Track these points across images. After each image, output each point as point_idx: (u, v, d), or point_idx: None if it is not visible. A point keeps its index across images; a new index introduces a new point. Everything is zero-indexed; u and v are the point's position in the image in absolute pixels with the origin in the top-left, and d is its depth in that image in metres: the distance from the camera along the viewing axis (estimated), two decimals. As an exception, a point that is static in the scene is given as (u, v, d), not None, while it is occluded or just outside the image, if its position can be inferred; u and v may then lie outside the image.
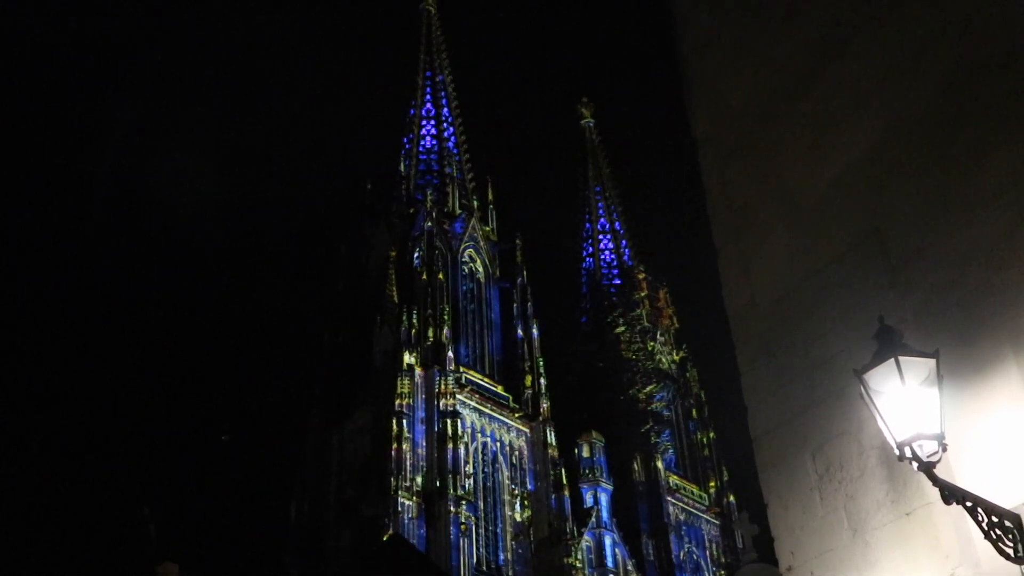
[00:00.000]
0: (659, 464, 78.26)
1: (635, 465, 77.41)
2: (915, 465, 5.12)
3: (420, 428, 63.90)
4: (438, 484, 61.10)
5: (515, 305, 75.99)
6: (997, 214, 5.63)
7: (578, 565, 64.14)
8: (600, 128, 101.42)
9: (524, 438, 69.69)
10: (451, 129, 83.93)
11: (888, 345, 5.33)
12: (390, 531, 55.07)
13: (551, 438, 69.53)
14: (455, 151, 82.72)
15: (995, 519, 4.96)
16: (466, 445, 64.57)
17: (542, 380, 72.53)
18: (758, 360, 7.04)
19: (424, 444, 63.52)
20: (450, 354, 67.46)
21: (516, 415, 69.81)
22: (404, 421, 63.06)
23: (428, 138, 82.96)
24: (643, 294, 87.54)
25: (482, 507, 64.30)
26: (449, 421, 63.88)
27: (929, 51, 6.35)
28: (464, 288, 75.39)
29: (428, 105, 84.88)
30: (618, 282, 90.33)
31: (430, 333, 67.99)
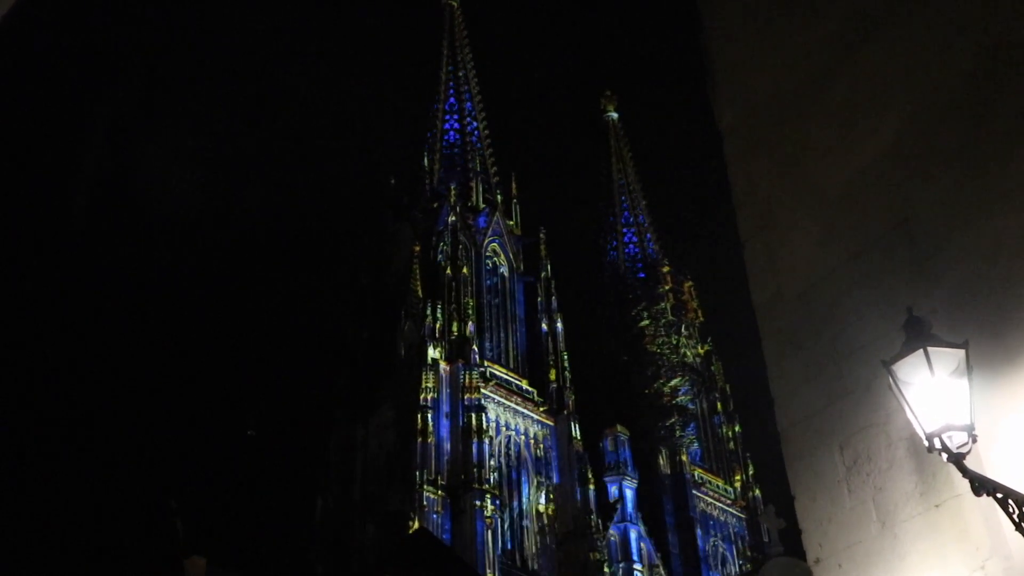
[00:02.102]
0: (684, 458, 78.11)
1: (660, 459, 77.30)
2: (944, 456, 5.09)
3: (445, 422, 64.02)
4: (463, 478, 61.19)
5: (539, 299, 75.95)
6: (1025, 204, 5.59)
7: (603, 559, 64.07)
8: (624, 121, 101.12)
9: (549, 432, 69.70)
10: (474, 123, 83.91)
11: (917, 336, 5.30)
12: (415, 525, 55.19)
13: (576, 432, 69.49)
14: (478, 145, 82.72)
15: (1026, 511, 4.93)
16: (491, 439, 64.63)
17: (567, 374, 72.50)
18: (784, 352, 7.01)
19: (449, 438, 63.62)
20: (475, 348, 67.52)
21: (541, 409, 69.81)
22: (429, 415, 63.19)
23: (451, 133, 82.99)
24: (667, 287, 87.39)
25: (507, 501, 64.38)
26: (474, 415, 63.96)
27: (955, 42, 6.31)
28: (488, 282, 75.44)
29: (451, 99, 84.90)
30: (642, 276, 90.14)
31: (454, 327, 68.06)
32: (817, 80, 7.20)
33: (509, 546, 62.30)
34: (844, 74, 7.00)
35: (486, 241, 76.59)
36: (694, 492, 76.95)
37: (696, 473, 78.48)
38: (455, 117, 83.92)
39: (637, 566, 67.07)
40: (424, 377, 64.46)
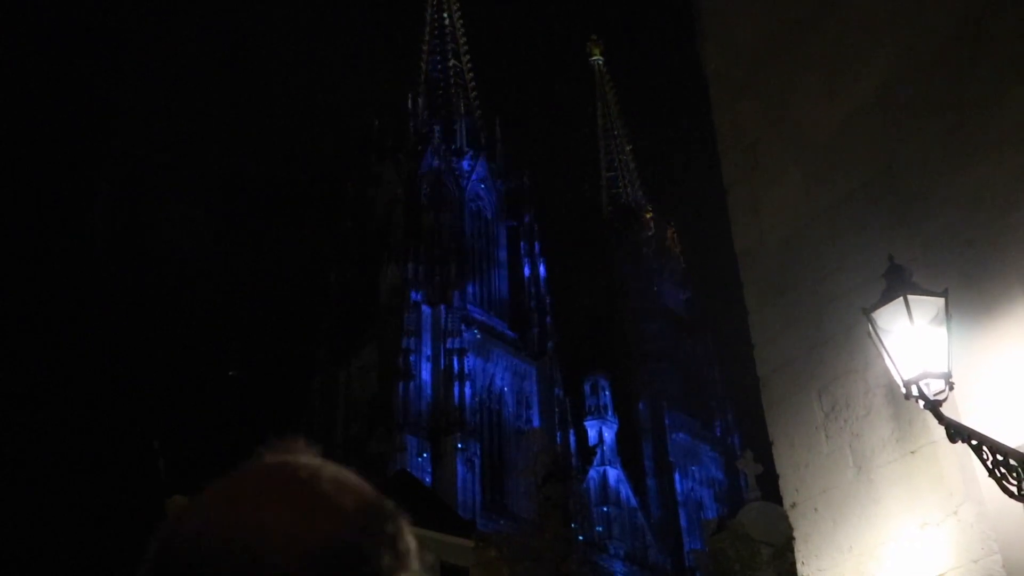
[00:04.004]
0: (664, 402, 78.73)
1: (640, 403, 77.88)
2: (921, 403, 5.14)
3: (427, 365, 64.28)
4: (444, 421, 61.53)
5: (522, 243, 75.96)
6: (1009, 154, 5.60)
7: (583, 501, 64.76)
8: (609, 66, 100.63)
9: (530, 375, 70.06)
10: (459, 67, 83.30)
11: (897, 284, 5.32)
12: (396, 467, 55.65)
13: (557, 376, 69.85)
14: (463, 89, 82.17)
15: (1000, 457, 4.99)
16: (472, 382, 64.94)
17: (548, 318, 72.75)
18: (766, 299, 7.04)
19: (431, 381, 63.90)
20: (457, 292, 67.59)
21: (523, 353, 70.09)
22: (411, 358, 63.39)
23: (436, 75, 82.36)
24: (651, 233, 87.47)
25: (488, 444, 64.83)
26: (456, 359, 64.19)
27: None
28: (472, 226, 75.36)
29: (435, 42, 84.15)
30: (626, 221, 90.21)
31: (437, 271, 68.08)
32: (804, 26, 7.16)
33: (490, 488, 62.86)
34: (831, 20, 6.96)
35: (470, 185, 76.36)
36: (673, 436, 77.64)
37: (676, 417, 79.15)
38: (440, 59, 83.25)
39: (615, 507, 67.82)
40: (406, 320, 64.59)
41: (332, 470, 1.14)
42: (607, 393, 72.09)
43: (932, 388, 5.13)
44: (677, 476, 75.63)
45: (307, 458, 1.16)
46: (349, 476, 1.14)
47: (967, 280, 5.56)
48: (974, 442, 5.02)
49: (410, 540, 1.10)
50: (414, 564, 1.09)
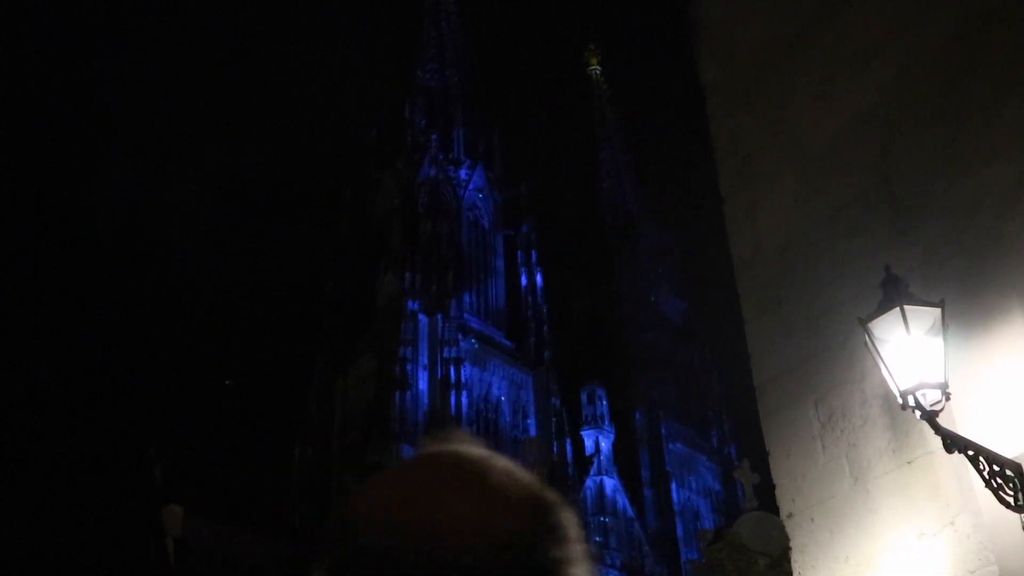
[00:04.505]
0: (661, 412, 78.67)
1: (637, 413, 77.82)
2: (918, 414, 5.13)
3: (423, 374, 64.23)
4: (441, 430, 61.49)
5: (519, 253, 76.01)
6: (1007, 164, 5.60)
7: (580, 511, 64.63)
8: (607, 75, 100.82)
9: (527, 385, 70.01)
10: (457, 76, 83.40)
11: (893, 294, 5.32)
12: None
13: (553, 385, 69.81)
14: (461, 98, 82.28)
15: (996, 468, 4.98)
16: (468, 392, 64.89)
17: (545, 327, 72.74)
18: (763, 308, 7.04)
19: (427, 390, 63.84)
20: (454, 301, 67.59)
21: (519, 362, 70.06)
22: (407, 367, 63.35)
23: (434, 84, 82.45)
24: (648, 242, 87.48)
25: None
26: (452, 368, 64.16)
27: (939, 1, 6.29)
28: (469, 235, 75.40)
29: (433, 51, 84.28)
30: (623, 230, 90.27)
31: (434, 280, 68.09)
32: (801, 35, 7.17)
33: (486, 498, 62.78)
34: (828, 30, 6.98)
35: (467, 193, 76.40)
36: (670, 446, 77.57)
37: (673, 427, 79.09)
38: (438, 68, 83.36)
39: (612, 517, 67.72)
40: (403, 329, 64.56)
41: (502, 461, 1.17)
42: (604, 402, 72.06)
43: (929, 398, 5.13)
44: (674, 486, 75.52)
45: (476, 449, 1.20)
46: (517, 467, 1.17)
47: (964, 290, 5.56)
48: (971, 453, 5.02)
49: (574, 531, 1.11)
50: (579, 555, 1.09)
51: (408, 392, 62.27)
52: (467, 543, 1.01)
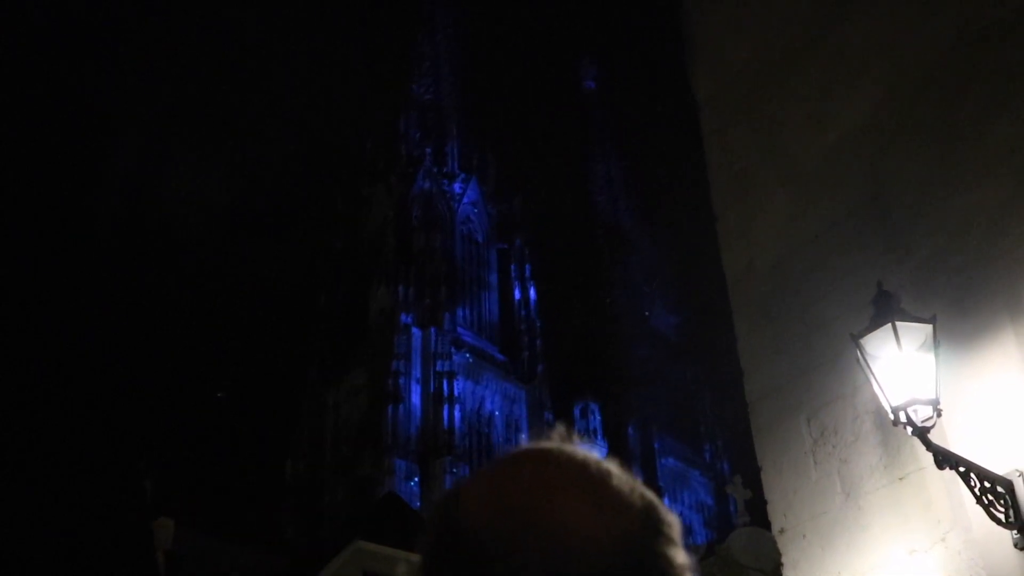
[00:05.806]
0: (654, 427, 78.65)
1: (630, 427, 77.79)
2: (909, 430, 5.15)
3: (416, 388, 64.18)
4: (433, 444, 61.37)
5: (513, 266, 76.04)
6: (998, 181, 5.63)
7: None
8: (601, 90, 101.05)
9: (520, 399, 69.95)
10: (452, 90, 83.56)
11: (885, 310, 5.34)
12: (385, 491, 55.43)
13: (547, 399, 69.75)
14: (455, 111, 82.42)
15: (987, 484, 4.99)
16: (462, 405, 64.83)
17: (539, 341, 72.74)
18: (755, 324, 7.05)
19: (420, 404, 63.77)
20: (447, 314, 67.57)
21: (512, 376, 70.02)
22: (400, 381, 63.28)
23: (428, 98, 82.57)
24: (642, 257, 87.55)
25: (477, 467, 64.68)
26: (445, 381, 64.10)
27: (933, 16, 6.32)
28: (462, 249, 75.43)
29: (427, 65, 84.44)
30: (616, 244, 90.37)
31: (427, 294, 68.08)
32: (795, 52, 7.21)
33: (478, 512, 62.66)
34: (822, 47, 7.01)
35: (461, 207, 76.46)
36: (663, 461, 77.53)
37: (666, 442, 79.07)
38: (432, 82, 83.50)
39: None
40: (396, 343, 64.50)
41: (615, 466, 1.15)
42: (597, 417, 72.05)
43: (920, 415, 5.14)
44: (667, 501, 75.04)
45: (584, 450, 1.18)
46: (628, 473, 1.15)
47: (955, 307, 5.58)
48: (962, 469, 5.03)
49: (679, 534, 1.11)
50: (685, 557, 1.09)
51: (401, 406, 62.17)
52: (589, 548, 1.00)
